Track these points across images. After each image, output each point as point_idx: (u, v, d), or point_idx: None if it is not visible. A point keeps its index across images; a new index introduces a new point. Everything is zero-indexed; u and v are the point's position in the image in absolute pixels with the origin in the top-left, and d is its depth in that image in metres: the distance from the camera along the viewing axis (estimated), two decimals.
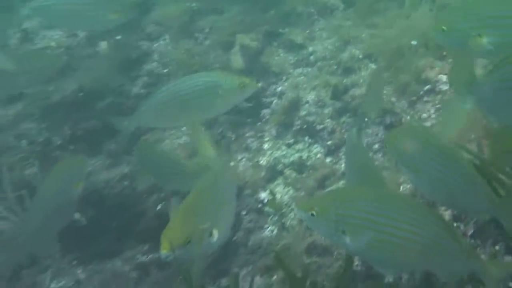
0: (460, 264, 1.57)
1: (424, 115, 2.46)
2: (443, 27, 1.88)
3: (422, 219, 1.59)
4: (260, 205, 2.48)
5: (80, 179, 2.33)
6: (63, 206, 2.60)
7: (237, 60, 2.70)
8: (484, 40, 1.92)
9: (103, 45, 2.92)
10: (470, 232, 2.13)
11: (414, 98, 2.42)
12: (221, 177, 2.02)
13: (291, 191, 2.46)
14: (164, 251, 1.72)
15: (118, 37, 2.94)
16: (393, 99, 2.45)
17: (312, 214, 1.70)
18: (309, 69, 2.82)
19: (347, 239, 1.65)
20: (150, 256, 2.58)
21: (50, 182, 2.54)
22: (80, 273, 2.68)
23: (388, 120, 2.45)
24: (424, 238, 1.59)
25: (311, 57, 2.88)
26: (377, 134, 2.44)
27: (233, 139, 2.70)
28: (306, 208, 1.70)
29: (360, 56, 2.77)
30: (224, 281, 2.50)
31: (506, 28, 1.92)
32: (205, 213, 1.88)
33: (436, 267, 1.66)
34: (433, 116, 2.43)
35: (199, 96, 2.37)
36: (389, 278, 2.14)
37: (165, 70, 2.84)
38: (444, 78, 2.45)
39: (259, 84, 2.75)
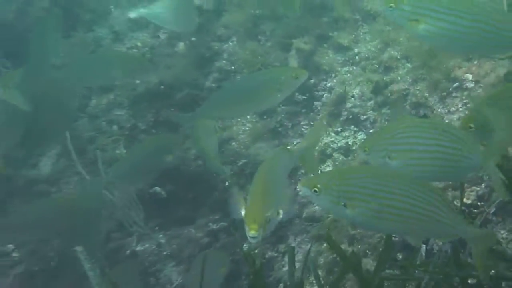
0: (449, 230, 1.73)
1: (453, 109, 2.78)
2: (392, 4, 2.07)
3: (417, 192, 1.71)
4: None
5: (171, 152, 2.89)
6: (151, 166, 3.08)
7: (293, 61, 3.10)
8: (421, 26, 2.14)
9: (181, 45, 3.33)
10: (492, 210, 2.47)
11: (444, 93, 2.72)
12: (281, 159, 2.19)
13: None
14: (252, 232, 1.85)
15: (193, 39, 3.32)
16: (426, 94, 2.80)
17: (315, 191, 1.81)
18: (354, 68, 3.08)
19: (348, 212, 1.76)
20: (220, 224, 3.02)
21: (149, 143, 3.07)
22: (161, 238, 3.16)
23: (421, 112, 2.83)
24: (419, 208, 1.71)
25: (356, 57, 3.12)
26: None
27: (289, 126, 3.13)
28: (309, 185, 1.81)
29: (398, 57, 3.13)
30: (281, 247, 2.88)
31: (440, 20, 2.10)
32: (274, 194, 2.01)
33: (429, 233, 1.90)
34: (460, 109, 2.76)
35: (260, 89, 2.75)
36: (422, 252, 2.41)
37: (232, 67, 3.19)
38: (470, 77, 2.81)
39: (312, 80, 3.15)
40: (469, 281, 1.92)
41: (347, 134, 2.90)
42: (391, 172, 1.83)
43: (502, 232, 2.33)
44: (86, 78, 3.07)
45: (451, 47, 2.35)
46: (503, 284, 1.90)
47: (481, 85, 2.64)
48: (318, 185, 1.77)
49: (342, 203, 1.74)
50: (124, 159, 3.10)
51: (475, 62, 2.65)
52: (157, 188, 3.08)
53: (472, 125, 2.03)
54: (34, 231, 2.92)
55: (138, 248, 3.10)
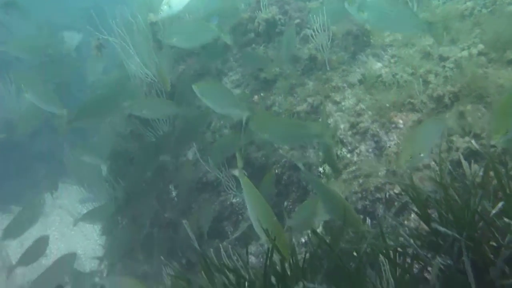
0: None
1: (391, 138, 4.77)
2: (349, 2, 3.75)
3: None
4: None
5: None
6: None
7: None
8: (364, 14, 3.72)
9: None
10: None
11: (387, 130, 4.69)
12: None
13: None
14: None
15: None
16: (378, 129, 4.78)
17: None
18: (342, 113, 5.19)
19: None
20: None
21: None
22: None
23: (374, 139, 4.86)
24: None
25: (342, 108, 5.21)
26: None
27: None
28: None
29: (364, 108, 5.09)
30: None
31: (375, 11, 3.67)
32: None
33: None
34: (395, 139, 4.72)
35: None
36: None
37: None
38: (401, 121, 4.78)
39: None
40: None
41: None
42: None
43: None
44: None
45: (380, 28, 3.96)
46: None
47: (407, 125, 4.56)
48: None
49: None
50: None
51: (404, 113, 4.74)
52: None
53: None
54: None
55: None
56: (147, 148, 5.85)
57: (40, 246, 6.28)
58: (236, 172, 3.63)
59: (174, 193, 5.98)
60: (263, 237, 2.94)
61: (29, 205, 6.70)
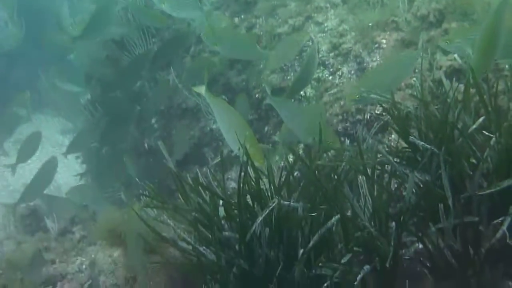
0: None
1: (374, 59, 4.64)
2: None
3: None
4: None
5: None
6: None
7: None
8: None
9: None
10: None
11: (370, 50, 4.55)
12: None
13: None
14: None
15: None
16: (361, 50, 4.65)
17: None
18: (324, 34, 5.07)
19: None
20: None
21: None
22: None
23: (357, 60, 4.73)
24: None
25: (325, 29, 5.12)
26: None
27: None
28: None
29: (347, 29, 4.99)
30: None
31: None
32: None
33: None
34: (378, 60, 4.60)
35: None
36: None
37: None
38: (384, 41, 4.63)
39: None
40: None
41: None
42: None
43: None
44: None
45: None
46: None
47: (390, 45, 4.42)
48: None
49: None
50: None
51: (388, 33, 4.58)
52: None
53: None
54: None
55: None
56: (124, 72, 5.65)
57: (33, 142, 6.35)
58: (199, 89, 3.49)
59: (153, 120, 5.85)
60: (236, 148, 2.83)
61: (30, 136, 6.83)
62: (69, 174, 9.17)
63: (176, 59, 5.75)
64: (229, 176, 4.88)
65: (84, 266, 3.56)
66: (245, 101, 4.51)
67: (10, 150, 10.41)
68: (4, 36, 9.66)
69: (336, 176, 3.03)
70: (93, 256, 3.64)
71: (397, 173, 2.92)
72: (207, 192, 3.13)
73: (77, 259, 3.76)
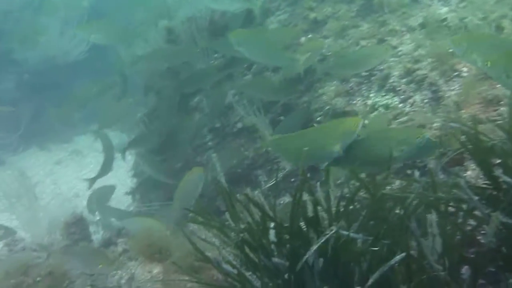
0: None
1: (452, 88, 3.93)
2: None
3: None
4: None
5: None
6: None
7: None
8: None
9: None
10: None
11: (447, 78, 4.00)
12: None
13: None
14: None
15: None
16: (437, 78, 4.08)
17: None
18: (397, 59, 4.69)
19: None
20: None
21: None
22: None
23: (432, 88, 4.33)
24: None
25: (398, 53, 4.66)
26: None
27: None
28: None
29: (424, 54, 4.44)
30: None
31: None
32: None
33: None
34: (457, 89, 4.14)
35: None
36: None
37: None
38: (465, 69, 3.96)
39: None
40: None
41: None
42: None
43: None
44: None
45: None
46: None
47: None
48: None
49: None
50: None
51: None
52: None
53: None
54: None
55: None
56: (183, 85, 5.50)
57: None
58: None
59: (208, 137, 5.66)
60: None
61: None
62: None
63: (237, 76, 5.56)
64: (282, 202, 4.58)
65: (123, 281, 3.33)
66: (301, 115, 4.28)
67: (66, 160, 10.55)
68: (71, 47, 9.87)
69: (402, 209, 2.68)
70: (132, 271, 3.41)
71: (475, 212, 2.55)
72: (257, 214, 2.85)
73: (116, 273, 3.55)
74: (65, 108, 7.18)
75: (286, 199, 4.72)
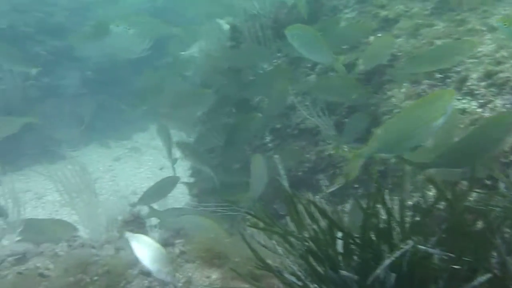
0: None
1: None
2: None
3: None
4: None
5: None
6: None
7: None
8: None
9: None
10: None
11: None
12: None
13: None
14: None
15: None
16: None
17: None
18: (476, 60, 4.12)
19: None
20: None
21: None
22: None
23: None
24: None
25: (478, 54, 4.10)
26: None
27: None
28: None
29: (506, 56, 3.98)
30: None
31: None
32: None
33: None
34: None
35: None
36: None
37: None
38: None
39: None
40: None
41: None
42: None
43: None
44: None
45: None
46: None
47: None
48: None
49: None
50: None
51: None
52: None
53: None
54: None
55: None
56: (245, 86, 5.35)
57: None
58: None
59: (268, 138, 5.48)
60: None
61: None
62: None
63: (300, 77, 5.35)
64: (344, 209, 4.35)
65: (180, 284, 3.20)
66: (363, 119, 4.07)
67: (125, 157, 10.65)
68: (132, 44, 9.93)
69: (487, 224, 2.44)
70: (189, 274, 3.27)
71: None
72: (322, 221, 2.65)
73: (174, 275, 3.41)
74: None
75: (349, 206, 4.49)
